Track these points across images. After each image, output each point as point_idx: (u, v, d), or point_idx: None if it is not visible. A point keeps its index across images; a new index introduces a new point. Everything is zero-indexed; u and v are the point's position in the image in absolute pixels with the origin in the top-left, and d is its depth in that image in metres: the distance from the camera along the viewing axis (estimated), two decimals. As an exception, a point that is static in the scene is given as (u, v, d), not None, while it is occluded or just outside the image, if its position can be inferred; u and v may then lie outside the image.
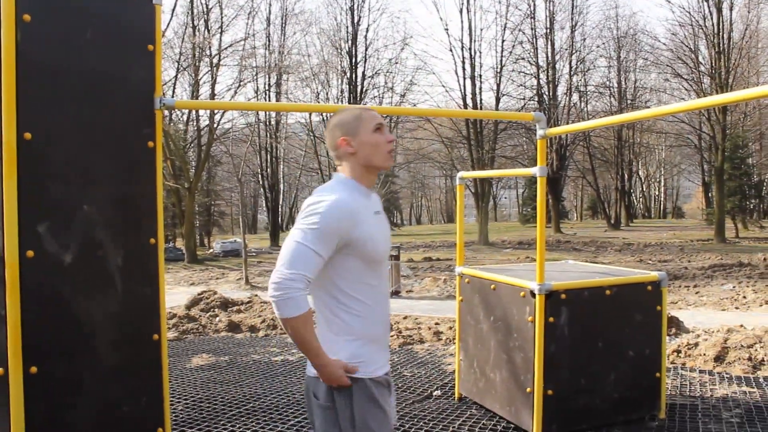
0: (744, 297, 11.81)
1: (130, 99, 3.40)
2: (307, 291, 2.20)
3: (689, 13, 31.52)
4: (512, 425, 4.73)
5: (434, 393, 5.72)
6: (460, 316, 5.37)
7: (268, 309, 9.47)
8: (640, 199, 65.64)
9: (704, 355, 6.69)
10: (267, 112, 30.91)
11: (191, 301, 9.69)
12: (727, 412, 5.09)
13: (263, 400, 5.46)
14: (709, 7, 29.90)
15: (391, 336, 8.10)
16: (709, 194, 44.70)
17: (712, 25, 29.54)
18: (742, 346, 6.75)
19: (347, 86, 33.73)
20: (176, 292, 13.89)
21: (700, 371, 6.37)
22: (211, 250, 27.91)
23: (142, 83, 3.43)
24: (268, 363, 6.90)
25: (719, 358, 6.60)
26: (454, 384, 5.55)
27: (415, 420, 4.93)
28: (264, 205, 41.94)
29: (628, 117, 3.82)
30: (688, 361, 6.67)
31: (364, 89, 34.20)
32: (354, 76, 33.88)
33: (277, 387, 5.89)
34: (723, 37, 29.01)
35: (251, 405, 5.31)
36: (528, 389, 4.46)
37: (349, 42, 33.82)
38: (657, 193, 68.87)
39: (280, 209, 37.40)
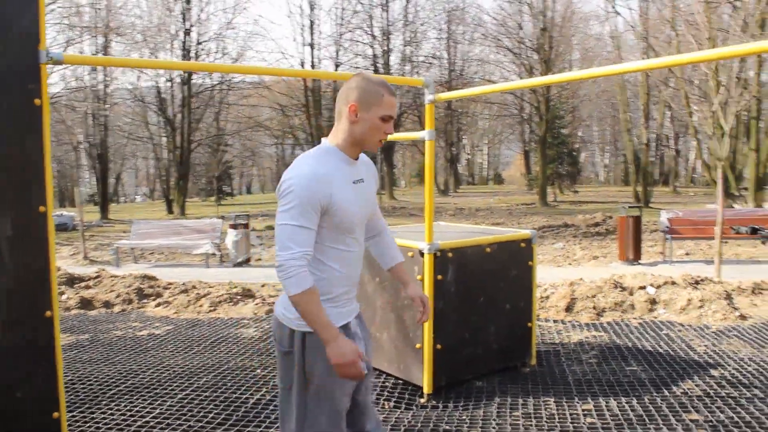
0: (574, 254, 12.94)
1: (12, 51, 3.09)
2: (308, 267, 2.26)
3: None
4: (401, 381, 4.92)
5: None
6: (342, 279, 5.43)
7: (121, 282, 9.00)
8: (465, 167, 69.01)
9: (556, 306, 7.30)
10: (93, 77, 28.81)
11: (32, 278, 8.94)
12: (585, 355, 5.62)
13: (142, 376, 5.23)
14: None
15: (256, 304, 8.03)
16: (530, 161, 48.05)
17: (538, 2, 31.48)
18: (587, 296, 7.44)
19: (180, 51, 32.19)
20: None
21: (554, 321, 6.95)
22: (33, 225, 25.75)
23: (25, 34, 3.12)
24: (134, 338, 6.59)
25: (569, 308, 7.24)
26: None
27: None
28: (89, 176, 39.30)
29: (518, 84, 4.05)
30: (542, 313, 7.25)
31: (198, 55, 32.84)
32: (188, 40, 32.39)
33: (152, 362, 5.66)
34: (546, 15, 31.05)
35: (130, 382, 5.06)
36: (418, 345, 4.65)
37: (183, 2, 32.18)
38: (481, 161, 72.75)
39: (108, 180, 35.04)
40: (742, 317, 6.86)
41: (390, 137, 2.52)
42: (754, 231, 11.49)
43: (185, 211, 31.51)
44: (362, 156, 2.55)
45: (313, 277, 2.34)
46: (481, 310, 4.89)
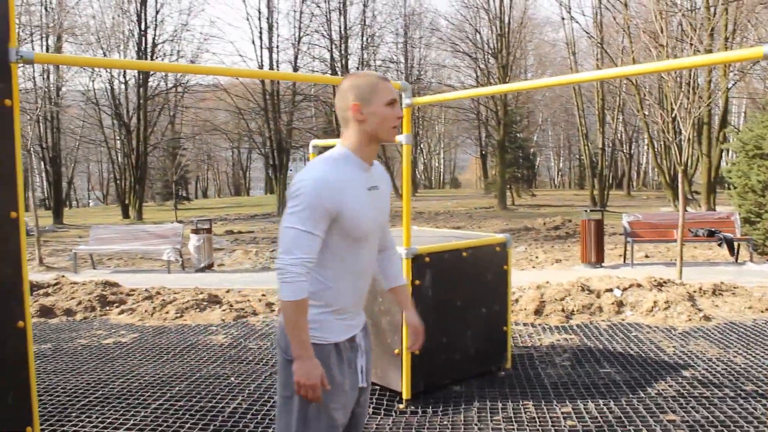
0: (537, 257, 13.08)
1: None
2: (307, 276, 2.20)
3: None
4: (378, 386, 4.88)
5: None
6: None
7: (82, 289, 8.75)
8: (422, 171, 69.33)
9: (525, 309, 7.35)
10: (45, 77, 28.06)
11: (-12, 286, 8.63)
12: (558, 357, 5.67)
13: (112, 386, 5.08)
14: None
15: (223, 310, 7.90)
16: (487, 165, 48.51)
17: (495, 8, 31.84)
18: (555, 299, 7.52)
19: (135, 54, 31.62)
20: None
21: (524, 324, 7.00)
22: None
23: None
24: (100, 347, 6.41)
25: (538, 312, 7.30)
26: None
27: (272, 391, 4.87)
28: (42, 179, 38.31)
29: (496, 89, 4.05)
30: (512, 316, 7.28)
31: (155, 57, 32.32)
32: (144, 42, 31.82)
33: (122, 371, 5.52)
34: (504, 20, 31.43)
35: (100, 393, 4.92)
36: (396, 351, 4.62)
37: (137, 3, 31.60)
38: (437, 164, 73.16)
39: (62, 184, 34.18)
40: (706, 318, 7.01)
41: None
42: (711, 234, 11.77)
43: (142, 215, 30.94)
44: (376, 163, 2.48)
45: (320, 287, 2.29)
46: (458, 314, 4.89)
